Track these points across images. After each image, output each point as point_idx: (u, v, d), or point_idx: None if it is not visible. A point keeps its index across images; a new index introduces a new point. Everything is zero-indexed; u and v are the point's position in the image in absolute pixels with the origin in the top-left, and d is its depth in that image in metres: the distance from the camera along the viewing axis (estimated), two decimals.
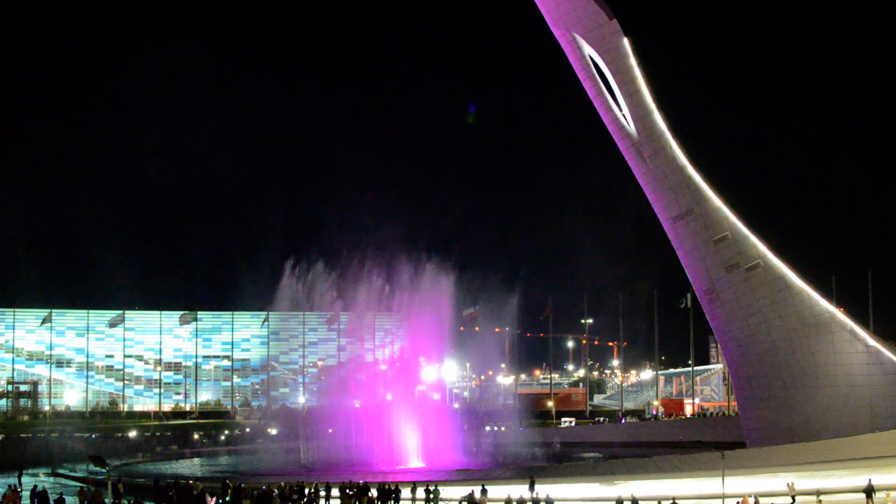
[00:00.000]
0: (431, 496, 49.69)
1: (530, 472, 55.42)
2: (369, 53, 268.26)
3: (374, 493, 49.90)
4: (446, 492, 50.17)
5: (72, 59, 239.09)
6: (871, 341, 63.81)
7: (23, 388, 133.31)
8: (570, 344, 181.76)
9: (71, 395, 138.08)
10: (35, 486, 50.85)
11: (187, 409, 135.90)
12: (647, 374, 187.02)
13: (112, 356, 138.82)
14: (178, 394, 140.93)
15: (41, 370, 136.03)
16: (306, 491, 51.22)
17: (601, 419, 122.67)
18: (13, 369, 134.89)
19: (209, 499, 48.26)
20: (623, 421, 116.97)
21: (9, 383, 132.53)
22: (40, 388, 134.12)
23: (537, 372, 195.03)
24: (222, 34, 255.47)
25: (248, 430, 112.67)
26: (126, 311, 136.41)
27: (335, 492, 51.69)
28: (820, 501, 45.63)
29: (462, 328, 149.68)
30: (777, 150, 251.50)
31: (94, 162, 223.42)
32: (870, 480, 45.34)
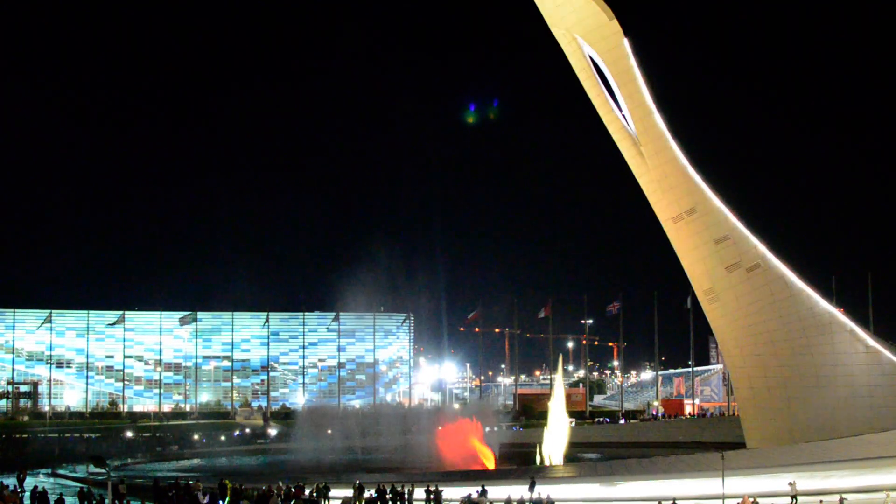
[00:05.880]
0: (432, 497, 49.66)
1: (530, 473, 55.41)
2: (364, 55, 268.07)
3: (372, 492, 50.01)
4: (446, 492, 50.15)
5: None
6: (871, 341, 63.67)
7: (23, 388, 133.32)
8: (570, 344, 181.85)
9: (71, 395, 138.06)
10: (35, 487, 50.84)
11: (187, 409, 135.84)
12: (647, 374, 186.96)
13: (112, 357, 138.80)
14: (178, 394, 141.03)
15: (41, 370, 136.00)
16: (307, 492, 51.28)
17: (601, 419, 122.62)
18: (13, 370, 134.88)
19: (201, 497, 48.33)
20: (623, 421, 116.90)
21: (9, 384, 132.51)
22: (40, 388, 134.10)
23: (537, 372, 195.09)
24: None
25: (247, 430, 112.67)
26: (126, 312, 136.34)
27: (334, 492, 51.73)
28: (821, 502, 45.65)
29: (462, 328, 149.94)
30: (777, 151, 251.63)
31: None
32: None
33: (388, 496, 49.77)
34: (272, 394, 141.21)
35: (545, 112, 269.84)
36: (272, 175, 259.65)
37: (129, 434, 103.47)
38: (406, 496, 50.13)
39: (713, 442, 71.30)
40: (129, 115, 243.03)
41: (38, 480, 61.32)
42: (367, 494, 50.60)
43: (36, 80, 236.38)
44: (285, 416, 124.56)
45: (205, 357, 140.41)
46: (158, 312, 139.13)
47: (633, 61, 66.26)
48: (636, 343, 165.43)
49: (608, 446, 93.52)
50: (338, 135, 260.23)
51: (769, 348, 64.85)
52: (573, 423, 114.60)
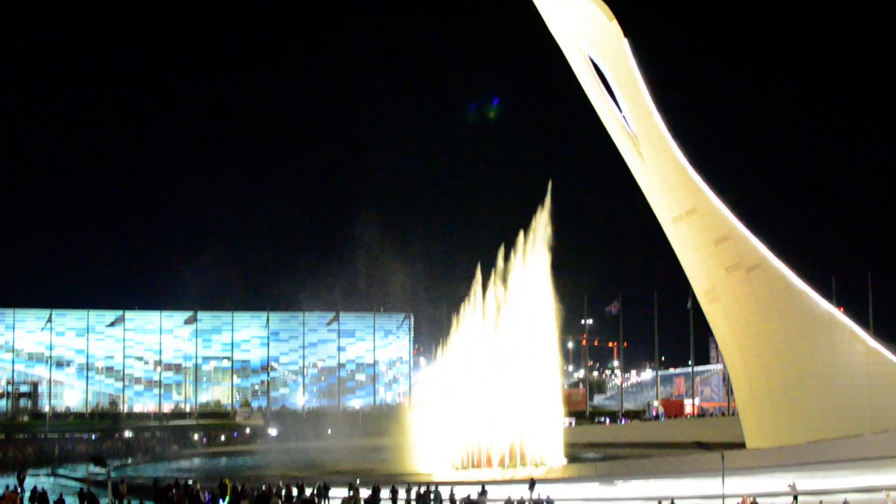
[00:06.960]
0: (432, 496, 49.65)
1: (530, 473, 55.44)
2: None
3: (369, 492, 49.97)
4: (446, 492, 50.14)
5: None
6: (871, 342, 63.63)
7: (23, 388, 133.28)
8: (570, 344, 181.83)
9: (71, 395, 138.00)
10: (35, 487, 50.85)
11: (187, 409, 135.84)
12: (647, 374, 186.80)
13: (112, 357, 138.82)
14: (178, 394, 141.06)
15: (41, 371, 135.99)
16: (307, 491, 51.29)
17: (601, 419, 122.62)
18: (13, 370, 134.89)
19: (203, 496, 48.37)
20: (623, 421, 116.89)
21: (9, 384, 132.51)
22: (40, 388, 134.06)
23: None
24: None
25: (248, 430, 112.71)
26: (126, 311, 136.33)
27: (334, 492, 51.73)
28: (821, 502, 45.61)
29: None
30: (777, 151, 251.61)
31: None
32: None
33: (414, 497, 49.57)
34: (272, 394, 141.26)
35: (545, 110, 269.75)
36: (272, 174, 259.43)
37: (129, 434, 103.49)
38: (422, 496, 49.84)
39: (713, 442, 71.22)
40: (129, 115, 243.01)
41: (38, 480, 61.35)
42: (364, 494, 50.55)
43: (36, 80, 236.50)
44: None
45: (205, 357, 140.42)
46: (158, 312, 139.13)
47: (633, 62, 66.30)
48: (636, 343, 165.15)
49: (608, 446, 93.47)
50: (337, 133, 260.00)
51: (769, 348, 64.86)
52: (573, 423, 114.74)
